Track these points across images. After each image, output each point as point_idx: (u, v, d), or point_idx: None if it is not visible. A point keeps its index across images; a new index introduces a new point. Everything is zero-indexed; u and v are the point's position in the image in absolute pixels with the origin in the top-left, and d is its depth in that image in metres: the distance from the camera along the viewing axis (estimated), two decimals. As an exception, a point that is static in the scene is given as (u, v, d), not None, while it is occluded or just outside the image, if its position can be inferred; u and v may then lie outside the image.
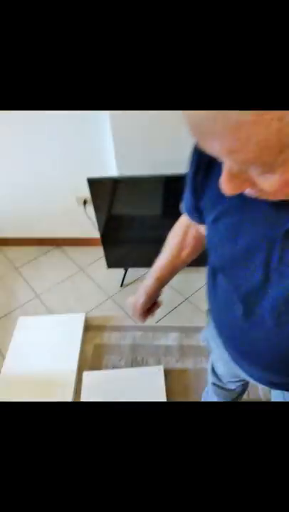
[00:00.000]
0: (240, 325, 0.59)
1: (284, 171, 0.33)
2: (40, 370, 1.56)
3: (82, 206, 1.96)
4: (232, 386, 0.99)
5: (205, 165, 0.52)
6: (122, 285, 1.98)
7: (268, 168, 0.32)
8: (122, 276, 2.00)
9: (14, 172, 1.89)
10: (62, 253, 2.24)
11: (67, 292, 1.98)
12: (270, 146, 0.29)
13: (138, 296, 0.88)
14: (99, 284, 2.01)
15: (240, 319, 0.58)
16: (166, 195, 1.59)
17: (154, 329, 1.73)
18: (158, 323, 1.77)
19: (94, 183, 1.52)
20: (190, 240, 0.79)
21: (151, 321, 1.77)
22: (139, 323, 1.74)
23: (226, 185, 0.38)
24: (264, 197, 0.39)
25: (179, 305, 1.83)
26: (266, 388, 0.80)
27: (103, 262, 1.92)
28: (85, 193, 1.84)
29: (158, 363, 1.58)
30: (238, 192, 0.39)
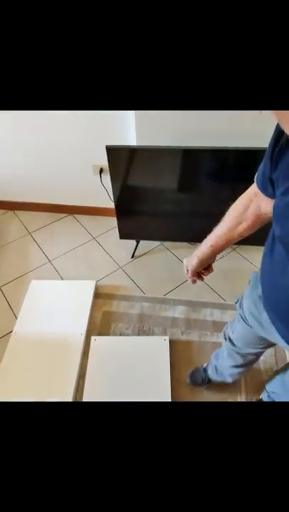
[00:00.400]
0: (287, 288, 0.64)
1: None
2: (50, 331, 1.62)
3: (98, 175, 1.95)
4: (247, 350, 1.05)
5: (283, 140, 0.56)
6: (132, 256, 2.00)
7: None
8: (134, 247, 2.01)
9: (31, 138, 1.87)
10: (76, 221, 2.25)
11: (79, 260, 2.01)
12: None
13: (191, 259, 0.95)
14: (110, 254, 2.03)
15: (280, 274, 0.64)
16: (184, 168, 1.57)
17: (161, 301, 1.77)
18: (166, 296, 1.80)
19: (112, 151, 1.50)
20: (249, 215, 0.80)
21: (159, 293, 1.81)
22: (147, 295, 1.78)
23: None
24: None
25: (187, 280, 1.85)
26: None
27: (115, 232, 1.94)
28: (102, 162, 1.83)
29: (164, 333, 1.63)
30: None
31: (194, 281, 1.00)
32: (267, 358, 1.51)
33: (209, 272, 0.99)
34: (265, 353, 1.14)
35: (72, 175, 2.03)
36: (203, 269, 0.97)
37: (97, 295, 1.80)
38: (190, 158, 1.52)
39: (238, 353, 1.08)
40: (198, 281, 1.01)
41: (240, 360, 1.11)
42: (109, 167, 1.56)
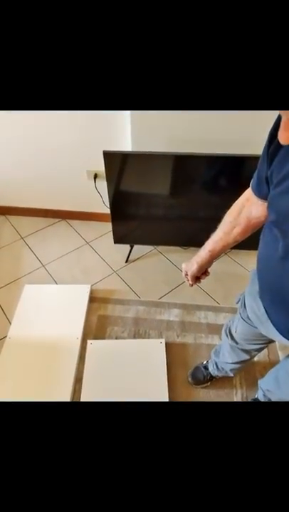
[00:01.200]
0: (278, 268, 0.70)
1: None
2: (45, 336, 1.61)
3: (92, 180, 1.96)
4: (249, 347, 1.09)
5: (277, 139, 0.61)
6: (127, 261, 2.02)
7: None
8: (128, 252, 2.03)
9: (23, 143, 1.88)
10: (69, 226, 2.26)
11: (73, 264, 2.01)
12: None
13: (190, 264, 1.01)
14: (104, 258, 2.05)
15: (279, 261, 0.69)
16: (176, 174, 1.61)
17: (156, 305, 1.79)
18: (161, 300, 1.82)
19: (109, 156, 1.52)
20: (242, 219, 0.86)
21: (154, 297, 1.83)
22: (142, 298, 1.80)
23: (282, 134, 0.49)
24: None
25: (182, 283, 1.88)
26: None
27: (109, 237, 1.95)
28: (97, 167, 1.85)
29: (159, 336, 1.65)
30: None
31: (192, 285, 1.06)
32: (260, 354, 1.55)
33: (206, 276, 1.05)
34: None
35: (66, 180, 2.04)
36: (201, 273, 1.03)
37: (92, 299, 1.80)
38: (183, 164, 1.56)
39: (241, 349, 1.12)
40: (193, 285, 1.07)
41: (242, 356, 1.15)
42: (105, 172, 1.59)
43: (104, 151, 1.50)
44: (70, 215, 2.27)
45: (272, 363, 1.53)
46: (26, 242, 2.14)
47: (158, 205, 1.77)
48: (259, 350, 1.12)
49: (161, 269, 2.00)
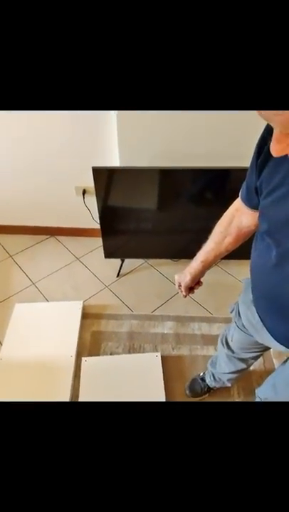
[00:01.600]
0: (272, 276, 0.71)
1: None
2: (38, 355, 1.57)
3: (81, 196, 1.97)
4: (245, 355, 1.10)
5: (266, 148, 0.63)
6: (118, 275, 2.02)
7: None
8: (119, 266, 2.03)
9: (10, 160, 1.88)
10: (58, 242, 2.25)
11: (64, 281, 2.00)
12: None
13: (183, 275, 1.01)
14: (95, 274, 2.04)
15: (272, 269, 0.70)
16: (163, 188, 1.64)
17: (150, 318, 1.78)
18: (154, 313, 1.82)
19: (98, 172, 1.54)
20: (232, 229, 0.88)
21: (147, 310, 1.82)
22: (135, 312, 1.79)
23: (273, 147, 0.51)
24: None
25: (174, 295, 1.89)
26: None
27: (99, 252, 1.95)
28: (85, 182, 1.86)
29: (155, 350, 1.63)
30: (282, 153, 0.50)
31: (186, 296, 1.07)
32: (256, 363, 1.56)
33: (199, 286, 1.06)
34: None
35: (54, 196, 2.04)
36: (195, 283, 1.04)
37: (85, 315, 1.78)
38: (169, 177, 1.59)
39: (238, 358, 1.12)
40: (187, 296, 1.07)
41: (239, 365, 1.15)
42: (95, 187, 1.60)
43: (93, 167, 1.52)
44: (59, 232, 2.26)
45: (268, 371, 1.53)
46: (15, 261, 2.11)
47: (147, 219, 1.79)
48: (255, 358, 1.13)
49: (153, 282, 2.00)
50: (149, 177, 1.60)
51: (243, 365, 1.16)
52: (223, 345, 1.16)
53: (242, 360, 1.14)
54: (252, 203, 0.77)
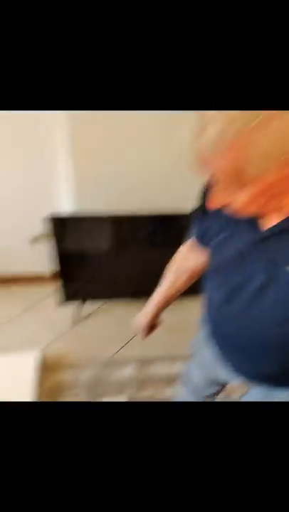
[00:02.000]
0: (222, 313, 0.72)
1: (248, 190, 0.48)
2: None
3: (33, 243, 1.94)
4: (207, 391, 1.06)
5: (205, 200, 0.70)
6: (74, 320, 1.95)
7: (241, 185, 0.48)
8: (75, 311, 1.98)
9: None
10: (9, 291, 2.14)
11: (17, 331, 1.88)
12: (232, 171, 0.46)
13: (141, 317, 1.01)
14: (50, 321, 1.95)
15: (223, 306, 0.71)
16: (117, 232, 1.70)
17: (111, 363, 1.73)
18: (114, 357, 1.77)
19: (52, 221, 1.55)
20: (187, 267, 0.91)
21: (107, 354, 1.77)
22: (95, 358, 1.73)
23: (213, 200, 0.55)
24: (240, 213, 0.54)
25: (133, 337, 1.87)
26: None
27: (53, 299, 1.90)
28: (37, 229, 1.85)
29: (116, 398, 1.57)
30: (220, 205, 0.55)
31: (145, 337, 1.06)
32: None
33: (158, 326, 1.06)
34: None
35: (4, 244, 1.98)
36: (152, 324, 1.03)
37: (41, 366, 1.67)
38: (121, 223, 1.66)
39: (198, 396, 1.08)
40: (145, 338, 1.06)
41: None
42: (49, 235, 1.59)
43: (47, 215, 1.53)
44: (10, 280, 2.16)
45: None
46: None
47: (103, 262, 1.81)
48: (216, 394, 1.10)
49: (111, 324, 1.97)
50: (101, 223, 1.65)
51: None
52: (184, 384, 1.12)
53: (202, 397, 1.09)
54: (204, 243, 0.81)
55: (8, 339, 1.83)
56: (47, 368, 1.67)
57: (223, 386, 1.05)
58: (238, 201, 0.51)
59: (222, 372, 0.87)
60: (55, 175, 1.73)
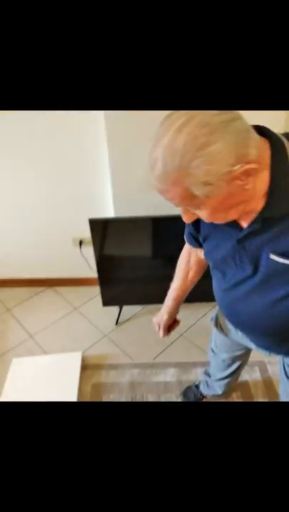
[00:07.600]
0: (228, 296, 0.83)
1: (204, 209, 0.58)
2: (37, 412, 1.50)
3: (77, 247, 2.03)
4: (232, 354, 1.17)
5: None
6: (116, 323, 2.00)
7: (195, 207, 0.58)
8: (117, 314, 2.02)
9: (5, 215, 1.95)
10: (56, 293, 2.25)
11: (62, 332, 1.97)
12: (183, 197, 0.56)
13: (160, 315, 1.08)
14: (94, 323, 2.02)
15: (228, 291, 0.82)
16: (155, 235, 1.71)
17: (151, 366, 1.74)
18: (155, 360, 1.78)
19: (94, 224, 1.61)
20: (192, 264, 1.00)
21: (148, 358, 1.79)
22: (136, 361, 1.75)
23: (183, 217, 0.66)
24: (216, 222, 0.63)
25: (174, 341, 1.86)
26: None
27: (97, 301, 1.96)
28: (81, 233, 1.93)
29: (158, 399, 1.58)
30: (191, 221, 0.66)
31: (167, 336, 1.13)
32: (254, 375, 1.63)
33: (177, 325, 1.13)
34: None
35: (51, 248, 2.09)
36: (172, 322, 1.11)
37: (85, 367, 1.73)
38: (161, 225, 1.66)
39: (223, 361, 1.20)
40: (184, 341, 1.12)
41: (228, 369, 1.22)
42: (91, 238, 1.65)
43: (89, 219, 1.58)
44: (56, 283, 2.27)
45: (265, 382, 1.61)
46: (13, 314, 2.10)
47: (143, 266, 1.83)
48: (241, 359, 1.19)
49: (152, 328, 1.97)
50: (141, 226, 1.67)
51: (232, 369, 1.22)
52: (210, 352, 1.24)
53: (229, 364, 1.21)
54: (194, 246, 0.90)
55: (54, 340, 1.92)
56: (89, 368, 1.73)
57: (246, 350, 1.14)
58: (202, 216, 0.60)
59: (242, 339, 1.00)
60: (99, 180, 1.79)
